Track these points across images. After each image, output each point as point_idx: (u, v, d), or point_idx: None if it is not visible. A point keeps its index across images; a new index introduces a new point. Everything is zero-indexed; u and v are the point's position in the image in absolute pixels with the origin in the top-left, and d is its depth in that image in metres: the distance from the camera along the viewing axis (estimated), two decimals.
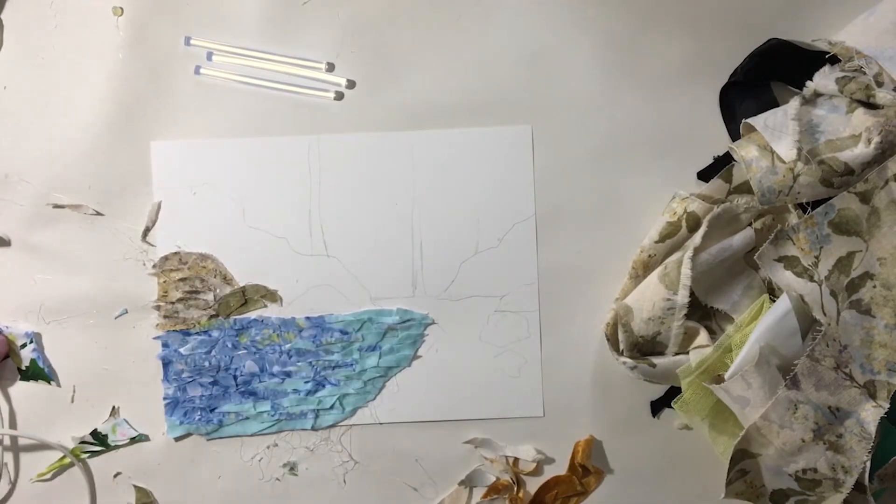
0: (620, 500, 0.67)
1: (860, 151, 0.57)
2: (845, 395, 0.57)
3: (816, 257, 0.58)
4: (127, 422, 0.67)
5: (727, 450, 0.60)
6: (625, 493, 0.67)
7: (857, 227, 0.58)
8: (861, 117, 0.58)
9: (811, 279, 0.57)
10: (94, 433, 0.66)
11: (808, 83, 0.63)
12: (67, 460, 0.66)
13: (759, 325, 0.59)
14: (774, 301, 0.59)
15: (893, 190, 0.57)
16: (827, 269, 0.58)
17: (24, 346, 0.66)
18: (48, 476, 0.67)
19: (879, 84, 0.59)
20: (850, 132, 0.59)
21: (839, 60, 0.63)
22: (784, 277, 0.58)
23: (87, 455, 0.67)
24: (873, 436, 0.56)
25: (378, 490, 0.67)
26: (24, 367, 0.66)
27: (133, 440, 0.67)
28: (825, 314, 0.57)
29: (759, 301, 0.61)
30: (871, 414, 0.57)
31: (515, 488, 0.66)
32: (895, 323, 0.56)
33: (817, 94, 0.63)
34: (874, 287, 0.57)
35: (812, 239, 0.58)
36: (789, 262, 0.58)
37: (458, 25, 0.67)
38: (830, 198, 0.58)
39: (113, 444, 0.67)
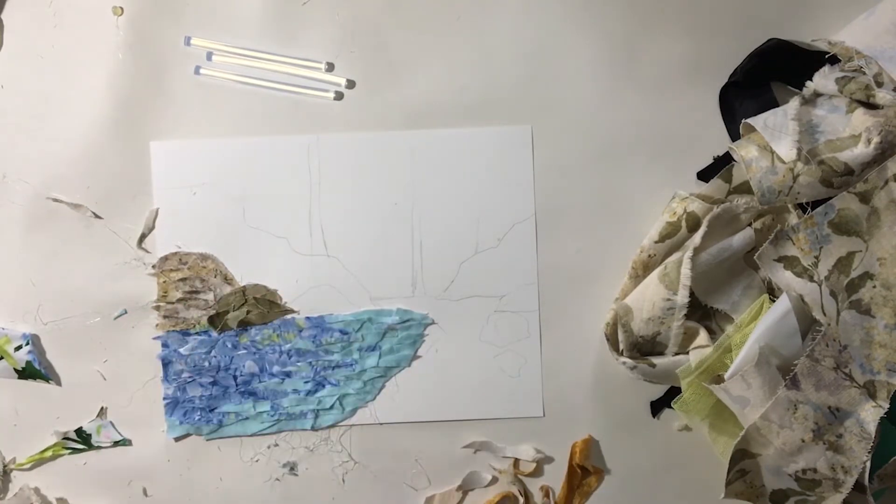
0: (620, 500, 0.67)
1: (860, 151, 0.57)
2: (845, 395, 0.57)
3: (816, 257, 0.58)
4: (112, 424, 0.67)
5: (727, 450, 0.60)
6: (625, 494, 0.67)
7: (856, 227, 0.58)
8: (861, 117, 0.58)
9: (811, 279, 0.57)
10: (79, 431, 0.66)
11: (808, 83, 0.63)
12: (49, 453, 0.66)
13: (758, 326, 0.59)
14: (774, 301, 0.60)
15: (893, 190, 0.57)
16: (827, 269, 0.58)
17: (19, 347, 0.66)
18: (27, 467, 0.67)
19: (879, 84, 0.59)
20: (850, 132, 0.59)
21: (839, 60, 0.63)
22: (784, 277, 0.58)
23: (69, 452, 0.67)
24: (873, 436, 0.56)
25: (378, 490, 0.67)
26: (20, 369, 0.66)
27: (116, 443, 0.67)
28: (825, 314, 0.57)
29: (759, 301, 0.61)
30: (870, 414, 0.57)
31: (523, 500, 0.66)
32: (895, 323, 0.56)
33: (817, 94, 0.63)
34: (874, 287, 0.57)
35: (812, 239, 0.58)
36: (789, 263, 0.58)
37: (458, 25, 0.67)
38: (830, 198, 0.58)
39: (96, 444, 0.67)
